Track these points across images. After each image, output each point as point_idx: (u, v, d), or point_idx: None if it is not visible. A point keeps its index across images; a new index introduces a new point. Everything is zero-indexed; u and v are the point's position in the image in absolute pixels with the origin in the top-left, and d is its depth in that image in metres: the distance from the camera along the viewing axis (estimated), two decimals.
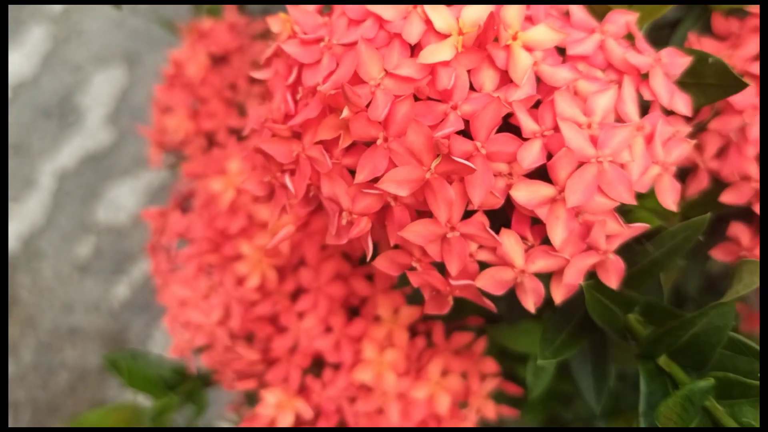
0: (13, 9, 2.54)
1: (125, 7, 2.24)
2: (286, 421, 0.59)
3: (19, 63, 2.36)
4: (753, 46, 0.50)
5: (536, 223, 0.38)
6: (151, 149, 0.93)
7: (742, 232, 0.52)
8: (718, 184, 0.51)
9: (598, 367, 0.48)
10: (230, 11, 0.93)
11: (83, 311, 1.93)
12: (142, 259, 1.96)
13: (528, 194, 0.36)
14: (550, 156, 0.36)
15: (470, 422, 0.61)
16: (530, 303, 0.38)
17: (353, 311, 0.61)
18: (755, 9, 0.52)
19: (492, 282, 0.38)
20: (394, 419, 0.57)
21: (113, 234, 2.03)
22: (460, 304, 0.55)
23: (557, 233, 0.36)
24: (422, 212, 0.38)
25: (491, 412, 0.62)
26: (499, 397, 0.64)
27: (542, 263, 0.38)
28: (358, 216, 0.38)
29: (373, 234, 0.40)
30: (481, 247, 0.38)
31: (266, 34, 0.94)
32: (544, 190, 0.36)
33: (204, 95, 0.88)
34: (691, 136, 0.49)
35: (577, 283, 0.38)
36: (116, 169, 2.14)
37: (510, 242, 0.37)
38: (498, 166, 0.36)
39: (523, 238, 0.38)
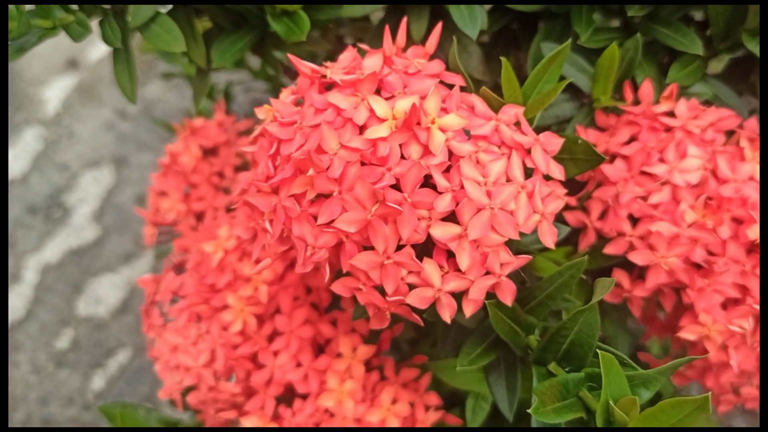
0: (8, 111, 2.63)
1: (115, 111, 2.37)
2: None
3: (9, 162, 2.45)
4: (624, 134, 0.66)
5: (451, 256, 0.52)
6: (146, 227, 1.06)
7: (622, 278, 0.66)
8: (602, 239, 0.66)
9: (510, 381, 0.60)
10: (219, 112, 1.08)
11: (58, 404, 1.95)
12: (119, 352, 2.02)
13: (442, 232, 0.50)
14: (457, 204, 0.50)
15: None
16: (446, 315, 0.51)
17: (319, 349, 0.74)
18: (628, 108, 0.68)
19: (418, 299, 0.51)
20: None
21: (92, 327, 2.07)
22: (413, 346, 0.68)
23: (463, 260, 0.50)
24: (366, 247, 0.52)
25: None
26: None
27: (454, 284, 0.51)
28: (318, 248, 0.51)
29: (331, 266, 0.53)
30: (409, 272, 0.51)
31: (249, 131, 1.09)
32: (453, 228, 0.50)
33: (195, 181, 1.02)
34: (580, 202, 0.64)
35: (481, 299, 0.52)
36: (98, 264, 2.21)
37: (430, 268, 0.51)
38: (420, 212, 0.50)
39: (441, 266, 0.52)
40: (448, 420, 0.75)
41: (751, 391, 0.75)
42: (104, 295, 2.15)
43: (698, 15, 0.78)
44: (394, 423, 0.70)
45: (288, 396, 0.72)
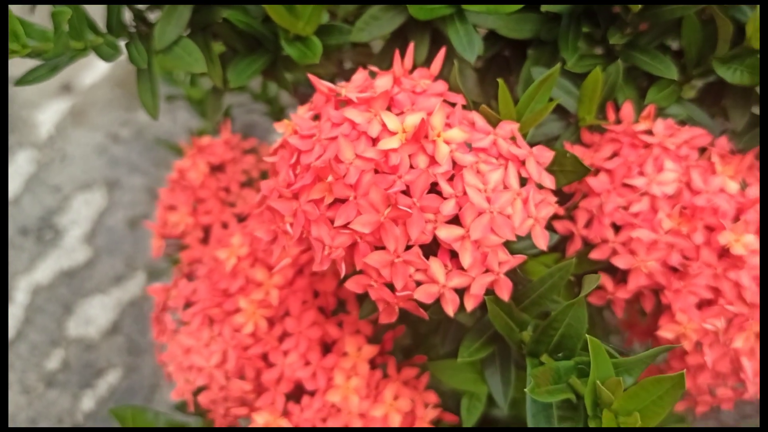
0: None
1: (107, 135, 2.40)
2: None
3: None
4: (607, 150, 0.73)
5: (454, 256, 0.58)
6: (153, 239, 1.11)
7: (606, 281, 0.72)
8: (588, 246, 0.72)
9: (504, 374, 0.66)
10: (225, 131, 1.14)
11: (47, 424, 1.94)
12: (108, 372, 2.02)
13: (447, 233, 0.56)
14: (460, 209, 0.56)
15: None
16: (450, 309, 0.57)
17: (326, 349, 0.79)
18: (611, 126, 0.75)
19: (424, 294, 0.57)
20: None
21: (82, 348, 2.08)
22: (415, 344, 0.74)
23: (466, 259, 0.56)
24: (378, 247, 0.57)
25: None
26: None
27: (457, 280, 0.57)
28: (335, 248, 0.57)
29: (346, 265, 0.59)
30: (417, 270, 0.57)
31: (253, 150, 1.15)
32: (456, 230, 0.56)
33: (202, 196, 1.07)
34: (567, 212, 0.71)
35: (481, 295, 0.57)
36: (89, 285, 2.22)
37: (436, 266, 0.57)
38: (427, 215, 0.56)
39: (445, 265, 0.57)
40: (444, 417, 0.80)
41: (726, 392, 0.80)
42: (94, 316, 2.16)
43: (675, 45, 0.85)
44: (396, 418, 0.75)
45: (297, 393, 0.78)
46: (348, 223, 0.56)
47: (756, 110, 0.79)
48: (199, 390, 0.84)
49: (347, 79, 0.95)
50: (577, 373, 0.57)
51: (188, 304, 0.86)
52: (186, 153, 1.12)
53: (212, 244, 0.88)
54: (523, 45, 0.85)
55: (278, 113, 1.46)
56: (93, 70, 2.81)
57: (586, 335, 0.55)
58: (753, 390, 0.75)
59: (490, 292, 0.59)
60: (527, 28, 0.78)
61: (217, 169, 1.10)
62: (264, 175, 1.08)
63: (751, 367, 0.71)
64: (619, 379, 0.51)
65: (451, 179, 0.57)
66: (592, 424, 0.53)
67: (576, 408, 0.56)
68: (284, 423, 0.75)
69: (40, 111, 2.74)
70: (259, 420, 0.75)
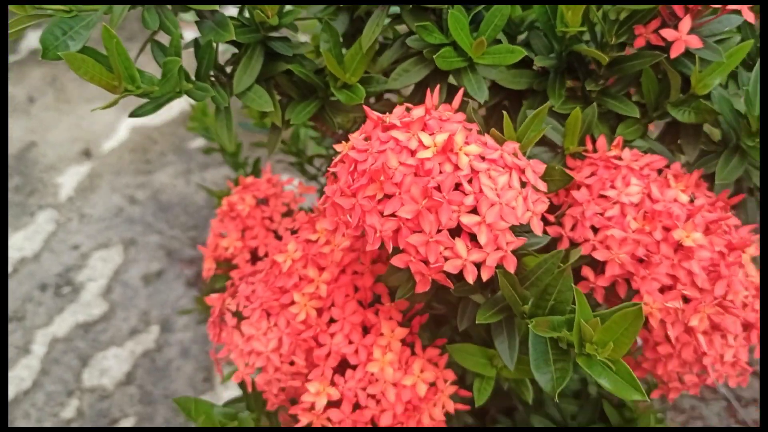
0: (21, 196, 2.77)
1: (124, 197, 2.55)
2: (322, 402, 0.92)
3: (21, 242, 2.61)
4: (587, 171, 0.93)
5: (473, 239, 0.77)
6: (205, 261, 1.30)
7: (589, 273, 0.91)
8: (574, 245, 0.92)
9: (510, 340, 0.84)
10: (266, 172, 1.35)
11: None
12: (122, 422, 2.13)
13: (468, 219, 0.75)
14: (477, 202, 0.76)
15: (438, 408, 0.95)
16: (470, 278, 0.76)
17: (365, 331, 0.97)
18: (589, 154, 0.96)
19: (451, 266, 0.76)
20: (391, 398, 0.92)
21: (96, 398, 2.20)
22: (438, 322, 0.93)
23: (482, 238, 0.75)
24: (416, 231, 0.77)
25: (450, 407, 0.97)
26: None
27: (476, 255, 0.76)
28: (384, 231, 0.76)
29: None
30: (445, 248, 0.76)
31: (291, 186, 1.35)
32: (475, 217, 0.75)
33: (250, 224, 1.27)
34: (557, 219, 0.91)
35: (494, 267, 0.77)
36: (104, 338, 2.35)
37: (460, 244, 0.76)
38: (453, 207, 0.76)
39: (467, 245, 0.77)
40: (460, 393, 0.98)
41: (692, 378, 0.99)
42: (109, 368, 2.28)
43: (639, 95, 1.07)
44: (422, 386, 0.93)
45: (342, 368, 0.95)
46: (394, 212, 0.76)
47: (704, 146, 1.00)
48: (256, 373, 1.02)
49: None
50: (566, 327, 0.76)
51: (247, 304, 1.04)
52: (233, 190, 1.32)
53: (269, 257, 1.07)
54: (519, 95, 1.07)
55: (303, 163, 1.67)
56: (112, 137, 3.01)
57: (573, 289, 0.74)
58: (714, 375, 0.94)
59: (500, 267, 0.78)
60: (523, 81, 1.00)
61: (261, 202, 1.30)
62: (300, 210, 1.28)
63: (705, 342, 0.89)
64: (597, 319, 0.70)
65: (470, 181, 0.77)
66: (579, 360, 0.72)
67: (566, 353, 0.75)
68: (331, 390, 0.93)
69: (61, 174, 2.89)
70: (312, 388, 0.93)
